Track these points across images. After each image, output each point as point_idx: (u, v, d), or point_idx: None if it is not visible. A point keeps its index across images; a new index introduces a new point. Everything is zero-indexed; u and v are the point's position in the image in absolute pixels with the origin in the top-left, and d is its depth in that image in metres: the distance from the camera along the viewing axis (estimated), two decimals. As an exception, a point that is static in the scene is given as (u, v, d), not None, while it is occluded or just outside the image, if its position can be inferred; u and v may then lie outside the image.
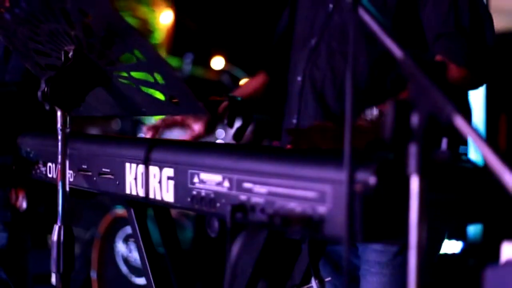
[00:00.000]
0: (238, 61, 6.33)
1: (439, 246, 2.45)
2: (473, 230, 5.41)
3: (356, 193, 1.40)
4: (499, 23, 7.36)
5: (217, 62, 6.30)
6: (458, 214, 1.64)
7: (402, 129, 1.29)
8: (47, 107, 1.99)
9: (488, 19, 2.37)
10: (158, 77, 1.79)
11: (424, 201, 1.29)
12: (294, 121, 2.54)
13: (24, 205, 3.00)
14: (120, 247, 4.58)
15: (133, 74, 1.88)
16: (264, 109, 2.85)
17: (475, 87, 2.41)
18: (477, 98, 5.49)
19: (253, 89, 2.79)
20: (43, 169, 2.51)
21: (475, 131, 1.20)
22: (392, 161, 1.41)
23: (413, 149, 1.28)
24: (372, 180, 1.40)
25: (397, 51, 1.37)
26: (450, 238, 5.13)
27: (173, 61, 5.96)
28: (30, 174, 2.60)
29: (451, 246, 5.14)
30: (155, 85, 1.84)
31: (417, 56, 1.33)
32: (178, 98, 1.81)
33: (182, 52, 6.35)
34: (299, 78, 2.55)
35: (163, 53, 7.19)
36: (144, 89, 1.87)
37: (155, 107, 1.93)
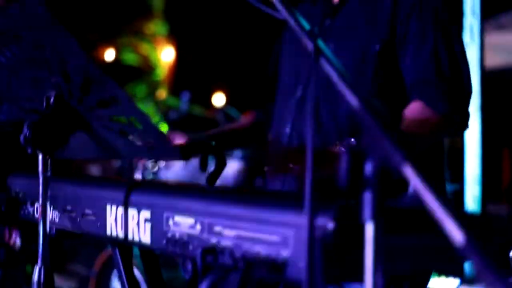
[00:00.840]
0: (236, 100, 6.41)
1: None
2: (470, 266, 5.42)
3: (316, 238, 1.44)
4: (496, 59, 7.40)
5: (218, 99, 6.39)
6: (421, 260, 1.68)
7: (357, 176, 1.33)
8: (29, 151, 2.05)
9: (466, 66, 2.42)
10: (135, 122, 1.85)
11: (379, 246, 1.33)
12: None
13: (18, 243, 3.04)
14: (116, 285, 4.61)
15: (112, 119, 1.94)
16: (254, 145, 2.89)
17: (453, 133, 2.46)
18: (472, 134, 5.52)
19: (235, 128, 2.84)
20: (30, 209, 2.57)
21: (422, 179, 1.25)
22: (350, 207, 1.46)
23: (367, 196, 1.32)
24: (330, 225, 1.45)
25: (353, 100, 1.42)
26: (447, 275, 5.14)
27: (171, 100, 6.04)
28: (19, 213, 2.65)
29: (448, 284, 5.15)
30: (132, 130, 1.89)
31: (372, 106, 1.37)
32: (153, 143, 1.87)
33: (182, 89, 6.44)
34: (287, 130, 2.59)
35: (164, 90, 7.29)
36: (122, 133, 1.93)
37: (132, 151, 1.99)
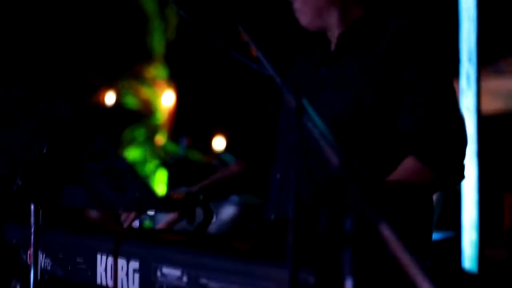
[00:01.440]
0: (235, 145, 6.48)
1: None
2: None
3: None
4: (495, 104, 7.44)
5: (217, 144, 6.46)
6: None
7: (336, 232, 1.37)
8: (22, 201, 2.09)
9: (461, 121, 2.43)
10: (124, 175, 1.89)
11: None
12: (272, 216, 2.60)
13: (18, 288, 3.06)
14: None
15: (102, 171, 1.98)
16: (250, 191, 2.92)
17: (447, 187, 2.48)
18: (469, 179, 5.54)
19: (227, 176, 2.88)
20: (23, 256, 2.60)
21: (397, 240, 1.28)
22: (331, 262, 1.49)
23: (346, 252, 1.36)
24: (311, 280, 1.48)
25: (334, 159, 1.45)
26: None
27: (170, 145, 6.10)
28: (14, 260, 2.68)
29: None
30: (121, 183, 1.93)
31: (352, 166, 1.41)
32: (142, 196, 1.91)
33: (181, 133, 6.50)
34: (278, 176, 2.62)
35: (163, 135, 7.34)
36: (111, 186, 1.97)
37: (122, 203, 2.03)
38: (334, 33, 2.65)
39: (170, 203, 2.35)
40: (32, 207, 2.08)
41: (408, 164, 2.38)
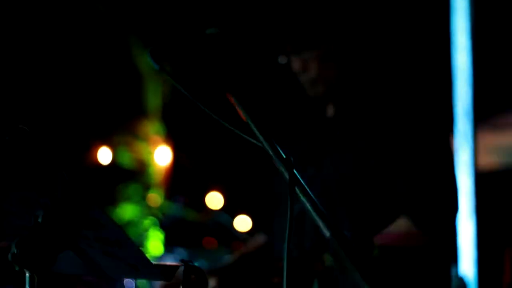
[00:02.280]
0: (232, 204, 6.50)
1: None
2: None
3: None
4: (494, 160, 7.46)
5: (213, 203, 6.48)
6: None
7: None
8: (17, 269, 2.09)
9: (455, 189, 2.47)
10: (118, 243, 1.90)
11: None
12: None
13: None
14: None
15: (97, 239, 1.99)
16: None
17: (437, 249, 2.50)
18: (466, 235, 5.55)
19: (251, 252, 2.89)
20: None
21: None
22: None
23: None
24: None
25: (325, 231, 1.47)
26: None
27: (165, 205, 6.10)
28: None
29: None
30: (116, 251, 1.94)
31: (342, 238, 1.42)
32: (136, 264, 1.91)
33: (176, 191, 6.51)
34: (285, 245, 2.61)
35: (160, 193, 7.34)
36: (106, 254, 1.98)
37: (117, 271, 2.04)
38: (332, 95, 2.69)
39: (164, 271, 2.35)
40: (27, 274, 2.08)
41: (401, 227, 2.41)
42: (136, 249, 1.93)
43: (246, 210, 6.23)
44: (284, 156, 1.62)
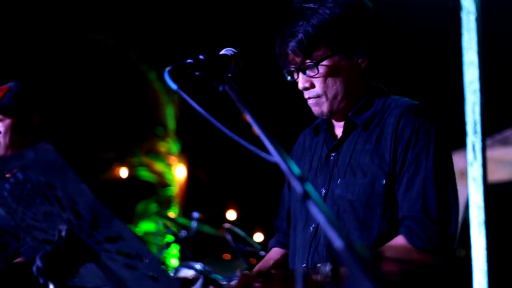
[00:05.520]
0: (247, 217, 6.58)
1: None
2: None
3: None
4: (502, 174, 7.46)
5: (229, 216, 6.58)
6: None
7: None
8: (41, 281, 2.18)
9: (454, 208, 2.52)
10: (139, 256, 1.98)
11: None
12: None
13: None
14: None
15: (119, 253, 2.07)
16: None
17: (433, 269, 2.54)
18: (478, 248, 5.58)
19: (274, 263, 2.93)
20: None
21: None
22: None
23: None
24: None
25: (337, 241, 1.54)
26: None
27: (181, 220, 6.19)
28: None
29: None
30: (137, 264, 2.03)
31: (354, 248, 1.50)
32: (157, 276, 2.00)
33: (193, 206, 6.61)
34: (303, 265, 2.67)
35: (175, 209, 7.46)
36: (128, 266, 2.06)
37: (137, 283, 2.12)
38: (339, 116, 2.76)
39: (184, 283, 2.43)
40: (51, 287, 2.17)
41: (397, 243, 2.47)
42: (156, 261, 2.01)
43: (261, 225, 6.32)
44: (298, 171, 1.69)
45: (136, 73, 7.49)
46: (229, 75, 2.23)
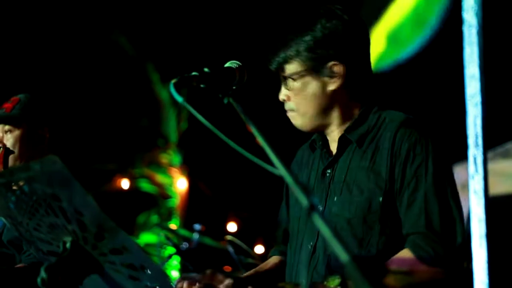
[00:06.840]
0: (248, 229, 6.58)
1: None
2: None
3: None
4: (504, 186, 7.45)
5: (230, 228, 6.60)
6: None
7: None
8: (46, 293, 2.18)
9: (459, 220, 2.50)
10: (143, 268, 1.99)
11: None
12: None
13: None
14: None
15: (123, 264, 2.08)
16: None
17: (443, 282, 2.55)
18: (479, 261, 5.57)
19: (269, 269, 2.94)
20: None
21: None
22: None
23: None
24: None
25: (343, 254, 1.55)
26: None
27: (182, 232, 6.19)
28: None
29: None
30: (141, 275, 2.04)
31: (359, 262, 1.50)
32: (160, 287, 2.01)
33: (194, 217, 6.60)
34: (303, 281, 2.67)
35: (176, 221, 7.47)
36: (132, 278, 2.07)
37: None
38: (333, 132, 2.76)
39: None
40: (56, 298, 2.17)
41: (403, 256, 2.48)
42: (160, 273, 2.02)
43: (262, 237, 6.31)
44: (302, 184, 1.69)
45: (145, 85, 7.52)
46: (234, 87, 2.25)
